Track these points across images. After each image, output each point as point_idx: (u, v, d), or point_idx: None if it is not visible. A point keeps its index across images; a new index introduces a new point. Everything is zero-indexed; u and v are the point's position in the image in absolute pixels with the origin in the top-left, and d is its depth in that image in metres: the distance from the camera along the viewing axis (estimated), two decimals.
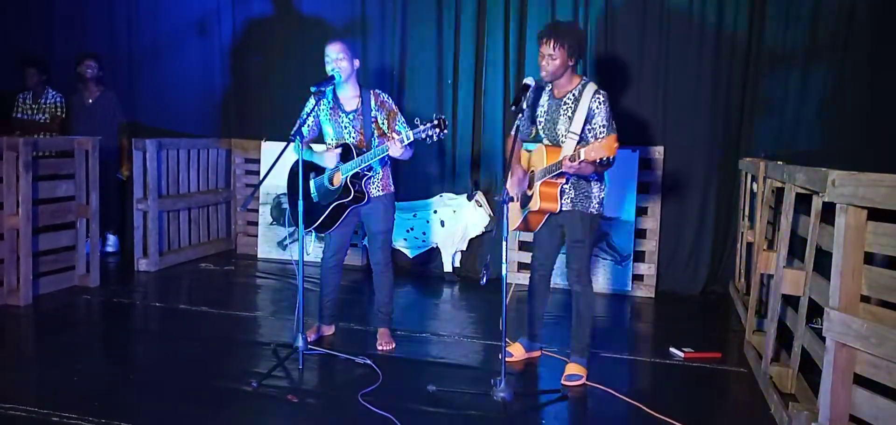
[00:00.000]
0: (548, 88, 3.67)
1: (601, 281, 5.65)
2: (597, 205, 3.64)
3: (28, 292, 4.88)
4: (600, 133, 3.46)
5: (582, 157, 3.27)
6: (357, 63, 4.04)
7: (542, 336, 4.07)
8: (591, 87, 3.53)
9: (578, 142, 3.47)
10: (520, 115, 3.59)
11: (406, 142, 3.78)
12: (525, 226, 3.74)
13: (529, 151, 3.80)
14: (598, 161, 3.29)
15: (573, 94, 3.55)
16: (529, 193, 3.62)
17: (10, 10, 7.14)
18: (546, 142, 3.65)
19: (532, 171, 3.66)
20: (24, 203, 4.76)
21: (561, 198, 3.58)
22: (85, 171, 5.31)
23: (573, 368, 3.71)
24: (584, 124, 3.49)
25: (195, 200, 6.56)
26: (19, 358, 4.04)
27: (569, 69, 3.55)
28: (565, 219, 3.66)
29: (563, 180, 3.56)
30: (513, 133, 3.76)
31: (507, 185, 3.79)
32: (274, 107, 6.55)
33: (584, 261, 3.67)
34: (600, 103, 3.48)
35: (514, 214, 3.76)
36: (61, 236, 5.26)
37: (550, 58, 3.49)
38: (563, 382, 3.66)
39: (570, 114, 3.52)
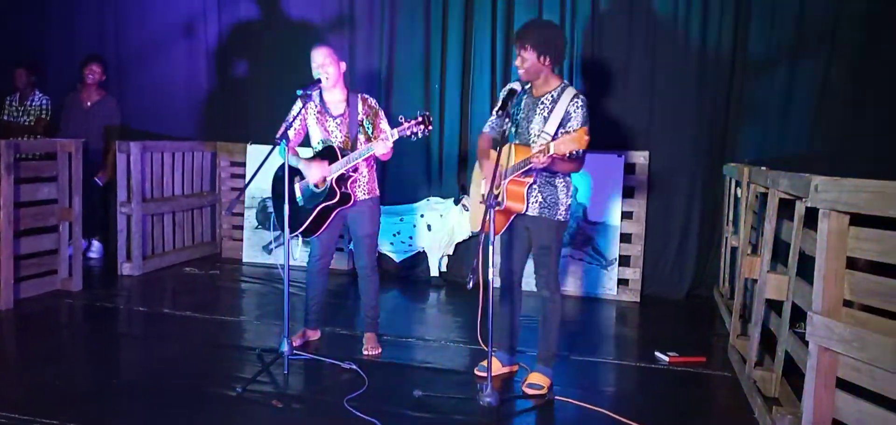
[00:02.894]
0: (527, 88, 3.65)
1: (586, 285, 5.67)
2: (564, 212, 3.59)
3: (9, 296, 4.82)
4: None
5: (552, 151, 3.22)
6: (343, 66, 4.02)
7: (518, 347, 3.97)
8: (571, 90, 3.50)
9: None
10: (493, 113, 3.59)
11: (391, 141, 3.78)
12: (481, 225, 3.55)
13: (496, 151, 3.76)
14: (567, 155, 3.23)
15: (551, 96, 3.51)
16: (495, 192, 3.55)
17: (0, 13, 7.07)
18: (516, 141, 3.59)
19: (501, 170, 3.56)
20: (5, 205, 4.71)
21: (528, 199, 3.53)
22: (68, 174, 5.26)
23: (536, 377, 3.65)
24: (559, 126, 3.45)
25: (180, 204, 6.51)
26: (0, 363, 3.99)
27: (545, 70, 3.51)
28: (532, 225, 3.61)
29: (531, 179, 3.50)
30: (485, 131, 3.76)
31: (475, 185, 3.77)
32: (260, 109, 6.53)
33: (552, 268, 3.62)
34: (578, 107, 3.44)
35: (479, 215, 3.68)
36: (43, 239, 5.20)
37: (522, 60, 3.49)
38: (523, 389, 3.62)
39: (545, 114, 3.49)
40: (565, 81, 3.61)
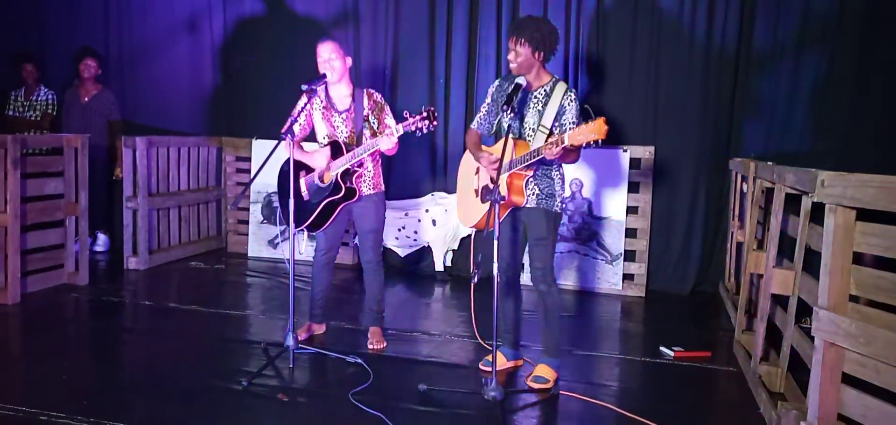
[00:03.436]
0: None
1: (591, 280, 5.67)
2: (559, 204, 3.64)
3: (16, 290, 4.84)
4: (570, 128, 3.43)
5: (567, 142, 3.24)
6: (349, 62, 4.03)
7: (521, 341, 3.98)
8: (562, 85, 3.57)
9: (548, 137, 3.48)
10: (481, 109, 3.65)
11: (396, 136, 3.78)
12: (486, 221, 3.50)
13: (489, 146, 3.76)
14: (584, 146, 3.24)
15: (544, 90, 3.57)
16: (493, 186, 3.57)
17: (1, 7, 7.09)
18: (512, 135, 3.59)
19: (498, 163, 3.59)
20: (12, 200, 4.73)
21: (526, 191, 3.56)
22: (74, 169, 5.28)
23: (541, 370, 3.68)
24: (554, 120, 3.51)
25: (185, 198, 6.53)
26: (7, 357, 4.01)
27: (536, 65, 3.55)
28: (529, 217, 3.64)
29: (531, 172, 3.54)
30: (473, 127, 3.80)
31: (461, 179, 3.78)
32: (265, 105, 6.54)
33: (549, 260, 3.64)
34: (571, 100, 3.52)
35: (476, 210, 3.70)
36: (50, 234, 5.22)
37: (516, 54, 3.52)
38: (528, 383, 3.64)
39: (539, 108, 3.54)
40: (555, 76, 3.66)
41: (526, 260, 3.84)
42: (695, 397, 3.70)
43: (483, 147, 3.74)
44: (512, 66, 3.57)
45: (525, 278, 3.92)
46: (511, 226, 3.72)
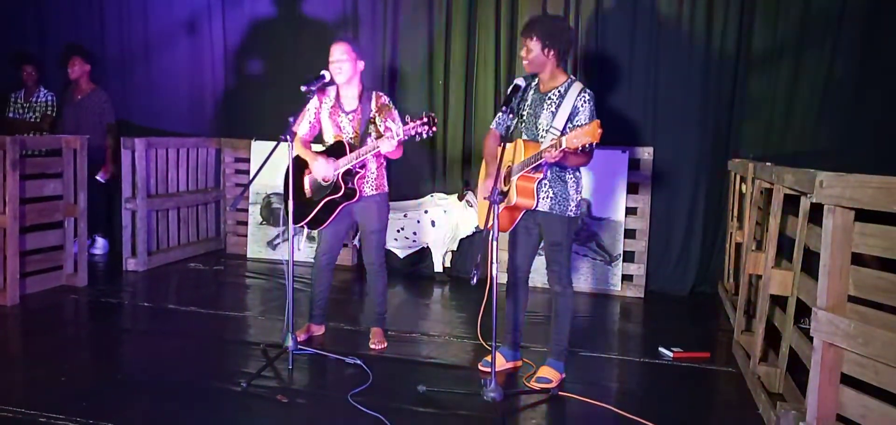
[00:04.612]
0: (534, 84, 3.66)
1: (590, 281, 5.67)
2: (574, 208, 3.60)
3: (15, 292, 4.84)
4: None
5: (564, 145, 3.22)
6: (361, 65, 4.04)
7: (520, 344, 3.98)
8: (578, 85, 3.51)
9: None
10: (501, 111, 3.60)
11: (396, 139, 3.79)
12: (499, 223, 3.54)
13: (505, 147, 3.77)
14: (579, 149, 3.23)
15: (558, 91, 3.52)
16: (505, 188, 3.56)
17: (1, 7, 7.08)
18: (525, 137, 3.60)
19: (509, 166, 3.59)
20: (11, 202, 4.73)
21: (538, 195, 3.53)
22: (73, 171, 5.28)
23: (545, 371, 3.68)
24: (567, 121, 3.46)
25: (184, 200, 6.53)
26: (6, 359, 4.00)
27: (550, 63, 3.52)
28: (543, 221, 3.62)
29: (541, 175, 3.52)
30: (492, 128, 3.78)
31: (482, 182, 3.79)
32: (264, 106, 6.54)
33: (565, 264, 3.63)
34: (585, 101, 3.46)
35: (488, 211, 3.72)
36: (49, 235, 5.22)
37: (527, 51, 3.50)
38: (531, 382, 3.64)
39: (553, 109, 3.50)
40: (572, 77, 3.61)
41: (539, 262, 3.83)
42: (694, 398, 3.69)
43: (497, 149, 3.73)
44: (524, 63, 3.55)
45: (533, 281, 3.90)
46: (522, 230, 3.71)
